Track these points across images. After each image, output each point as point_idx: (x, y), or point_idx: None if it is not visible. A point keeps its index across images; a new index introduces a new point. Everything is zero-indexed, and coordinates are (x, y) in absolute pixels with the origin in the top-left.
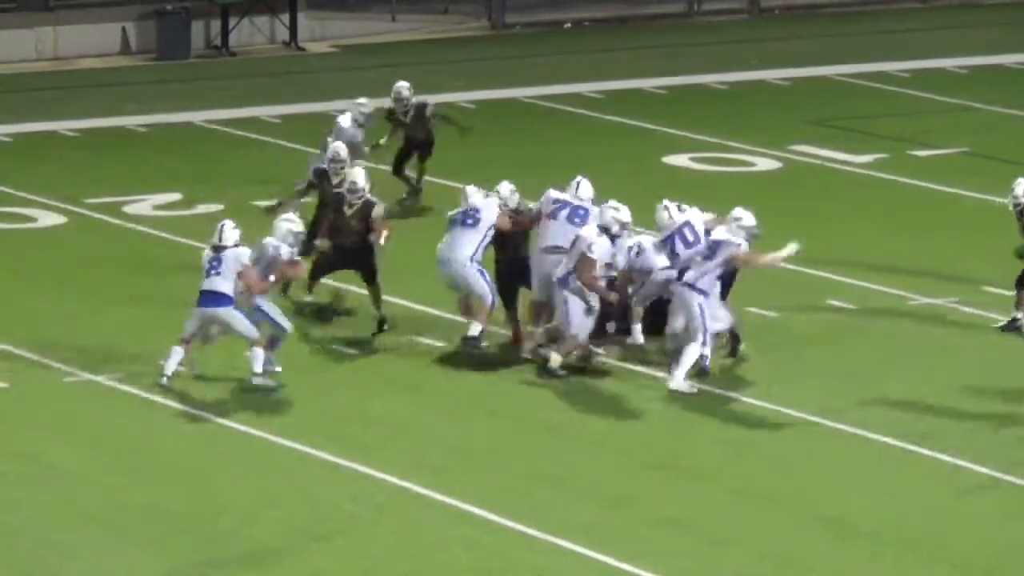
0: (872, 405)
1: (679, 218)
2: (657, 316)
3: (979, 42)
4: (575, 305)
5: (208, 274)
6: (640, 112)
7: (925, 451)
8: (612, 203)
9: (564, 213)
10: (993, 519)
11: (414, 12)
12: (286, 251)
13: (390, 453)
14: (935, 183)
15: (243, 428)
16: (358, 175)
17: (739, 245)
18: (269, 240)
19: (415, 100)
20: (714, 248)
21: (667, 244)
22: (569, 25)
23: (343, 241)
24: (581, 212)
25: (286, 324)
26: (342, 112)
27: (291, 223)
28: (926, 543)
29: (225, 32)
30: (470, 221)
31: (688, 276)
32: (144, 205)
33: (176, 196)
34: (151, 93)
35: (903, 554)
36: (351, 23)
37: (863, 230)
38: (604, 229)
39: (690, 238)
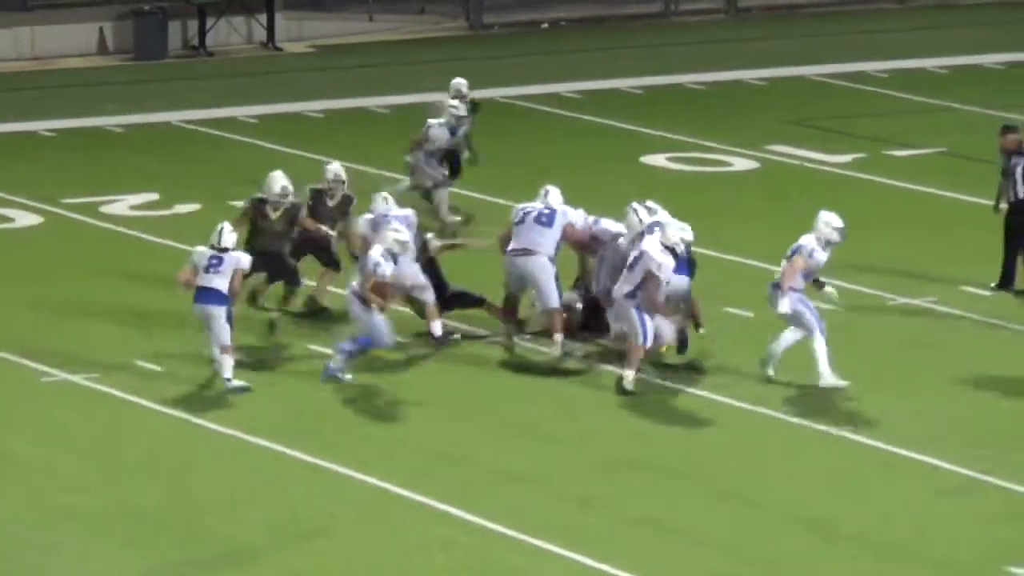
0: (851, 406)
1: (648, 220)
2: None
3: (957, 42)
4: (646, 318)
5: (207, 271)
6: (617, 112)
7: (904, 452)
8: (678, 223)
9: (532, 216)
10: (973, 521)
11: (391, 12)
12: (384, 270)
13: (368, 453)
14: (913, 183)
15: (221, 428)
16: (281, 178)
17: (811, 252)
18: (373, 254)
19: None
20: (795, 251)
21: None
22: (546, 25)
23: (265, 246)
24: (547, 212)
25: (386, 341)
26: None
27: (397, 232)
28: (906, 545)
29: (202, 32)
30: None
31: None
32: (121, 205)
33: (153, 196)
34: (128, 93)
35: (883, 556)
36: (328, 23)
37: None
38: (670, 249)
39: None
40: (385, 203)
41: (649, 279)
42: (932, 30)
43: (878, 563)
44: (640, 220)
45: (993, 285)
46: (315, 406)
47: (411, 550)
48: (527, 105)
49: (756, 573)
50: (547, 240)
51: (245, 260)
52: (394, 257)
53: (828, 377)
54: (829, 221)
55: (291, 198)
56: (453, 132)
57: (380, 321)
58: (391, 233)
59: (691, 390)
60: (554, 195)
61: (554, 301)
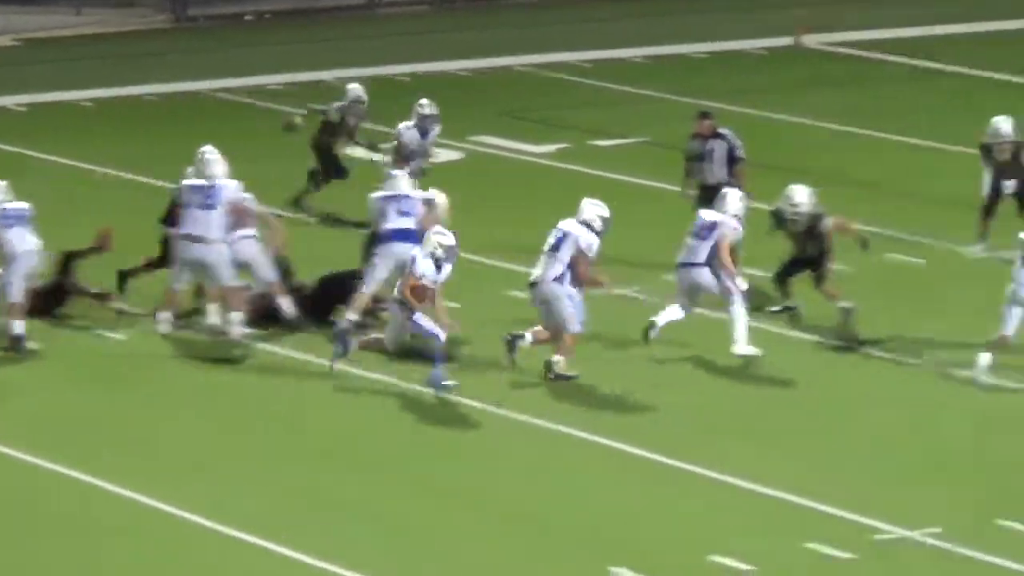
0: (562, 397)
1: (400, 187)
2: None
3: (660, 32)
4: (568, 303)
5: None
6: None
7: (616, 444)
8: (594, 200)
9: (198, 198)
10: (682, 512)
11: (98, 6)
12: (431, 274)
13: (77, 448)
14: (616, 172)
15: None
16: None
17: (734, 228)
18: (416, 258)
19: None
20: (711, 228)
21: (387, 203)
22: (251, 17)
23: None
24: (213, 192)
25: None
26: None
27: (441, 235)
28: (612, 536)
29: None
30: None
31: (687, 258)
32: None
33: None
34: None
35: (589, 548)
36: (35, 16)
37: (544, 220)
38: (587, 224)
39: (404, 208)
40: (208, 170)
41: (581, 258)
42: (635, 19)
43: (585, 555)
44: (392, 185)
45: None
46: (27, 402)
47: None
48: (232, 98)
49: (465, 565)
50: (217, 223)
51: None
52: (437, 262)
53: (743, 346)
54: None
55: None
56: (424, 134)
57: (417, 324)
58: (436, 237)
59: (392, 381)
60: (216, 165)
61: (228, 279)
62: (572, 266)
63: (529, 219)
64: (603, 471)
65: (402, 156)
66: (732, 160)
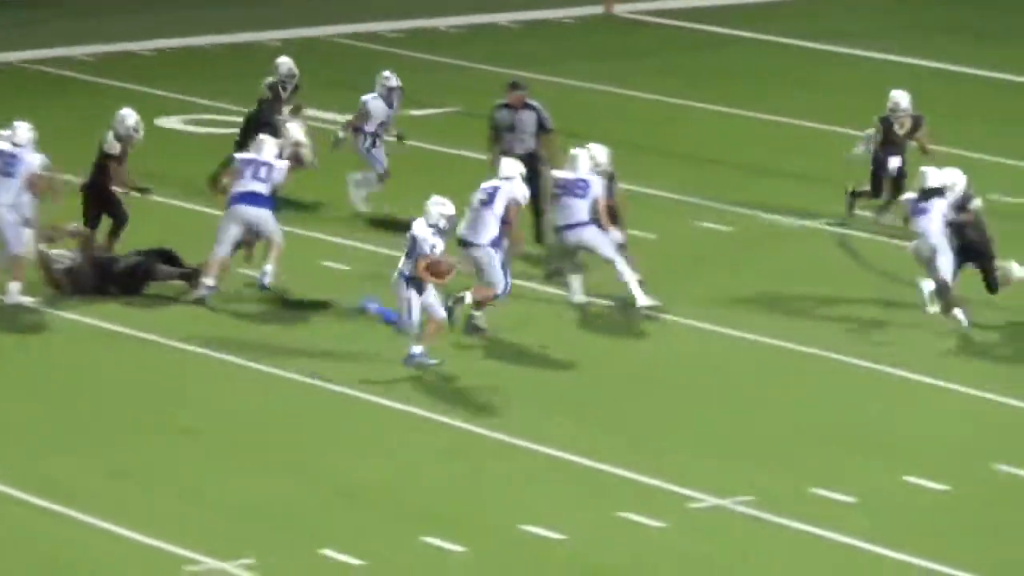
0: (389, 374)
1: (264, 152)
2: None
3: (468, 1)
4: (498, 268)
5: None
6: (131, 75)
7: (434, 416)
8: (511, 160)
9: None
10: (501, 482)
11: None
12: (440, 247)
13: None
14: (428, 143)
15: None
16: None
17: (603, 184)
18: (421, 235)
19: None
20: (584, 186)
21: (246, 165)
22: None
23: None
24: (15, 161)
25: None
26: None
27: (443, 206)
28: (430, 507)
29: None
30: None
31: (569, 219)
32: None
33: None
34: None
35: (410, 519)
36: None
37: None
38: (509, 180)
39: (261, 174)
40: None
41: (512, 208)
42: None
43: (397, 525)
44: (254, 150)
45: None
46: None
47: None
48: (44, 69)
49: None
50: (9, 191)
51: None
52: (441, 233)
53: (642, 298)
54: (595, 154)
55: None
56: (390, 105)
57: (430, 305)
58: (436, 207)
59: (216, 355)
60: (21, 133)
61: (16, 247)
62: (504, 220)
63: (340, 189)
64: (426, 446)
65: (360, 126)
66: (542, 131)
